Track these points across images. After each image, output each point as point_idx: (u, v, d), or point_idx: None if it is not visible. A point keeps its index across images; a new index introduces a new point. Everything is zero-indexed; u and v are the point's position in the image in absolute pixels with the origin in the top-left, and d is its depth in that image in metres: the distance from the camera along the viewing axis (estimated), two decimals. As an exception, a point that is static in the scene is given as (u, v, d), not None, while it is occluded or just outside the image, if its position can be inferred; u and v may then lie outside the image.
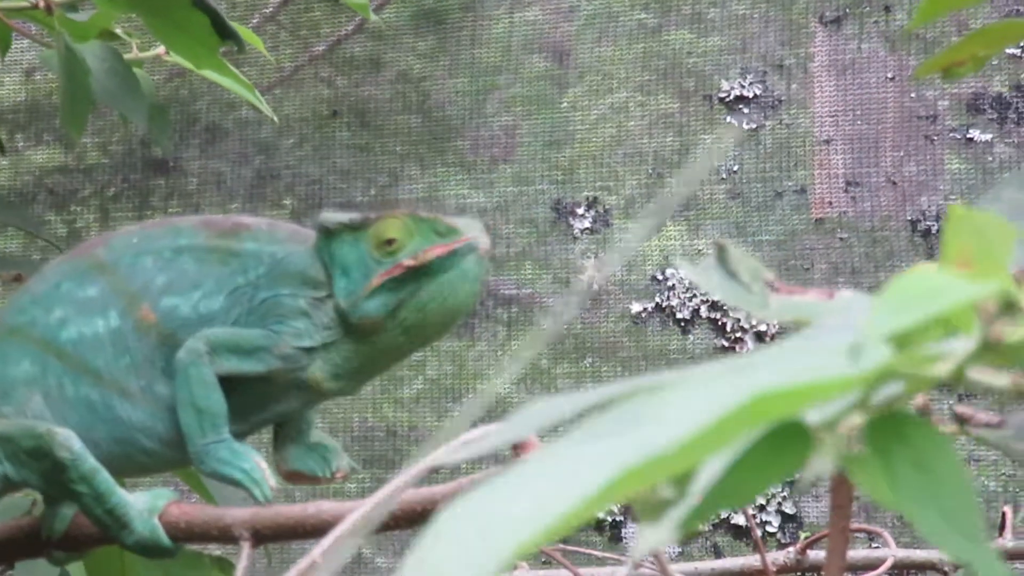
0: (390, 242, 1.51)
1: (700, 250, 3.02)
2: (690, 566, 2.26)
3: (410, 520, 1.44)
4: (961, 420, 0.72)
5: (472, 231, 1.50)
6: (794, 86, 3.02)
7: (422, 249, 1.50)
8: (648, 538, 0.57)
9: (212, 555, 2.00)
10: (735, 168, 3.02)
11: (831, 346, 0.54)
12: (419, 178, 3.21)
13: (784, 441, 0.49)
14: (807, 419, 0.50)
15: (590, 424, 0.51)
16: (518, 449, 1.38)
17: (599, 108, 3.12)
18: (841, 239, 2.97)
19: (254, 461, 1.49)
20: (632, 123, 3.09)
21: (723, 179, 3.03)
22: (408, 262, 1.50)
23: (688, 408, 0.49)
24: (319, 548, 1.23)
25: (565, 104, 3.16)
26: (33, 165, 3.41)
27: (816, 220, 2.99)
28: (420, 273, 1.50)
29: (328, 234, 1.53)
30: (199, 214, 3.23)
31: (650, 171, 3.06)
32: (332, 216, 1.54)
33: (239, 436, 1.52)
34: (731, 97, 3.04)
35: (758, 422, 0.47)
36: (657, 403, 0.51)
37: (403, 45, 3.26)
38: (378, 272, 1.51)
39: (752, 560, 2.28)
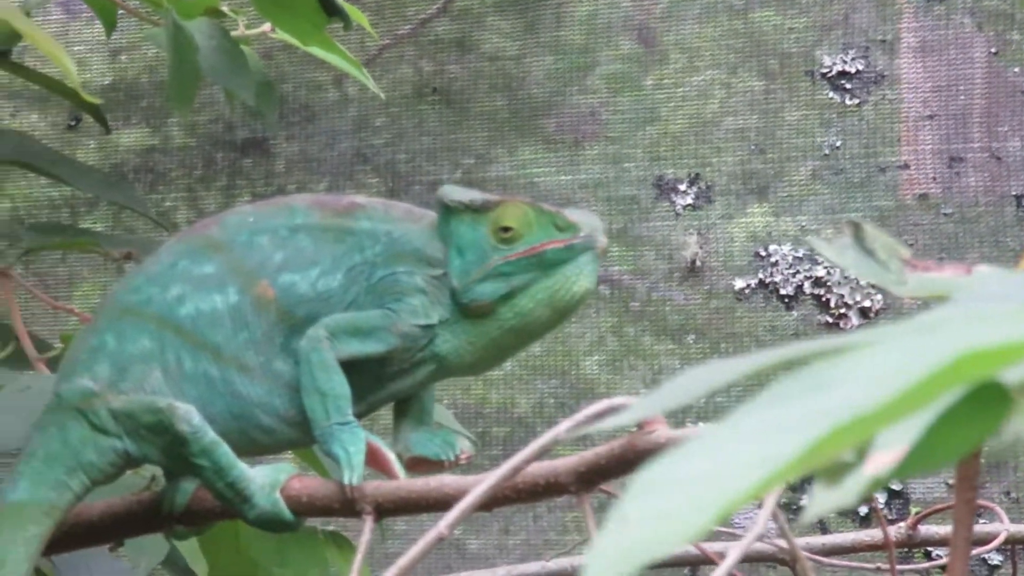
0: (507, 229, 1.50)
1: (803, 226, 3.00)
2: (801, 541, 2.25)
3: (533, 494, 1.43)
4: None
5: (591, 229, 1.50)
6: (897, 61, 3.00)
7: (539, 242, 1.50)
8: (827, 501, 0.57)
9: (326, 531, 2.01)
10: (838, 144, 3.00)
11: (1010, 312, 0.54)
12: (506, 159, 3.20)
13: (983, 402, 0.49)
14: (1005, 380, 0.50)
15: (776, 388, 0.51)
16: (643, 426, 1.37)
17: (696, 85, 3.11)
18: (945, 215, 2.95)
19: (363, 446, 1.49)
20: (732, 100, 3.07)
21: (825, 155, 3.01)
22: (524, 251, 1.50)
23: (882, 370, 0.49)
24: (444, 521, 1.24)
25: (658, 82, 3.15)
26: (120, 146, 3.43)
27: (919, 196, 2.97)
28: (535, 264, 1.50)
29: (447, 211, 1.53)
30: (285, 195, 3.24)
31: (752, 147, 3.05)
32: (453, 193, 1.54)
33: (357, 417, 1.52)
34: (833, 72, 3.02)
35: (961, 382, 0.47)
36: (845, 366, 0.51)
37: (488, 26, 3.26)
38: (493, 258, 1.51)
39: (863, 535, 2.27)
